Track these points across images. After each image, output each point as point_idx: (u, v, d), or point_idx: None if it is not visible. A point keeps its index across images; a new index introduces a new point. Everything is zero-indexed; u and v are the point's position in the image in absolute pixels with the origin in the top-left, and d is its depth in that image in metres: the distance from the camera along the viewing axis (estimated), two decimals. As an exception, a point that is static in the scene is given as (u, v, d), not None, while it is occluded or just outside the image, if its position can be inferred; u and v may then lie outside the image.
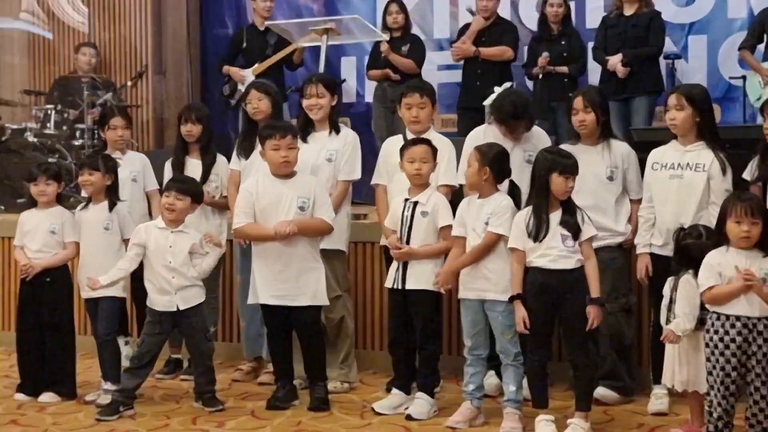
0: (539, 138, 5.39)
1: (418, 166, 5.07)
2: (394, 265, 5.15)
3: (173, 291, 5.22)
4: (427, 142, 5.15)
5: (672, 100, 4.93)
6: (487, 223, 4.80)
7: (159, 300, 5.25)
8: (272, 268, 5.12)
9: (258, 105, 5.78)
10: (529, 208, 4.69)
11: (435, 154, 5.13)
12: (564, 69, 7.69)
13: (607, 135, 5.21)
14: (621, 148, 5.22)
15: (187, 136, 6.00)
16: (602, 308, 4.67)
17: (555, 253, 4.60)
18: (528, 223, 4.66)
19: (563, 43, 7.78)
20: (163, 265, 5.23)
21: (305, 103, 5.61)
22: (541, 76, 7.71)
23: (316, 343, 5.25)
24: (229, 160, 5.97)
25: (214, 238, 5.43)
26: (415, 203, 5.09)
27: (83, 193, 5.90)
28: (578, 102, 5.13)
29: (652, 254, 5.03)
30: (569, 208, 4.67)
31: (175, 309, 5.23)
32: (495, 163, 4.85)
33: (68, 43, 9.81)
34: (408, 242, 5.08)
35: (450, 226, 5.02)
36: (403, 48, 8.11)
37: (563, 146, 5.09)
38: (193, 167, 5.97)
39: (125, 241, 5.45)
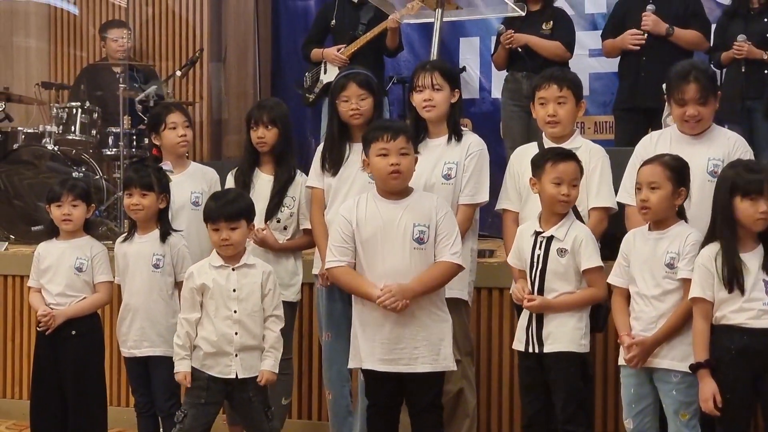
0: (734, 144, 5.31)
1: (566, 190, 5.04)
2: (524, 319, 5.14)
3: (233, 352, 5.24)
4: (575, 157, 5.13)
5: None
6: (670, 266, 4.78)
7: (211, 362, 5.26)
8: (381, 322, 5.03)
9: (359, 105, 5.68)
10: (716, 246, 4.66)
11: (582, 172, 5.14)
12: (765, 56, 7.56)
13: None
14: None
15: (260, 144, 5.92)
16: None
17: (759, 306, 4.57)
18: (717, 265, 4.63)
19: (767, 20, 7.65)
20: (225, 317, 5.23)
21: (416, 98, 5.60)
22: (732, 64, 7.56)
23: (432, 424, 5.15)
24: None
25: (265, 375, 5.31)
26: (550, 239, 5.07)
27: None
28: None
29: None
30: (771, 244, 4.65)
31: (233, 376, 5.25)
32: (687, 180, 4.86)
33: (100, 20, 10.09)
34: (542, 290, 5.06)
35: (599, 269, 5.00)
36: (545, 26, 8.07)
37: None
38: (264, 185, 5.96)
39: (178, 285, 5.54)
